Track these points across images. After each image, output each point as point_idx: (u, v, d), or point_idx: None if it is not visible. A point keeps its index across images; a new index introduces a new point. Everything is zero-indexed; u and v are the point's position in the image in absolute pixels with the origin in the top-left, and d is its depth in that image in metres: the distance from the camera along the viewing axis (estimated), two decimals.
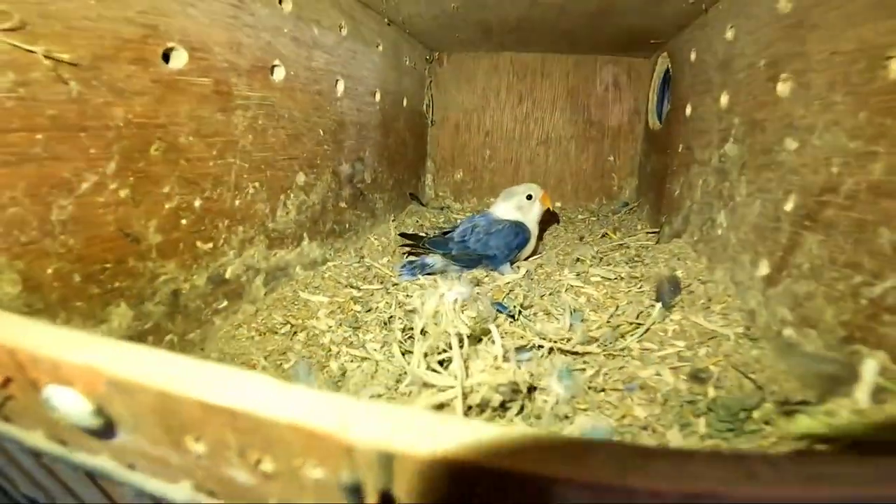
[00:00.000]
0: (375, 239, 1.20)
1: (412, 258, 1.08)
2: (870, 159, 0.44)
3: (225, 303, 0.72)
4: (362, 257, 1.08)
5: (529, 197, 1.10)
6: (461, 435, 0.21)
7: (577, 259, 1.03)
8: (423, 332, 0.59)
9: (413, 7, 1.11)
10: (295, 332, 0.74)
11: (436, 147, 1.66)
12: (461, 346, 0.54)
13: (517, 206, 1.10)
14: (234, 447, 0.25)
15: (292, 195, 0.86)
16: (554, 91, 1.57)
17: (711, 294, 0.73)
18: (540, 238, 1.18)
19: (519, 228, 1.07)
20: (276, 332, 0.74)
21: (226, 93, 0.68)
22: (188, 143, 0.63)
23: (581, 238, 1.27)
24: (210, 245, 0.68)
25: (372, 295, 0.91)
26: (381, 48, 1.17)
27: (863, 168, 0.45)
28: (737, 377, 0.56)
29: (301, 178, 0.88)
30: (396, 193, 1.39)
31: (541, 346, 0.67)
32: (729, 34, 0.82)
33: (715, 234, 0.79)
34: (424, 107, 1.59)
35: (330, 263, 1.00)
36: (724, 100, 0.83)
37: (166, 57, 0.59)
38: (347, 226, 1.09)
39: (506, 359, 0.53)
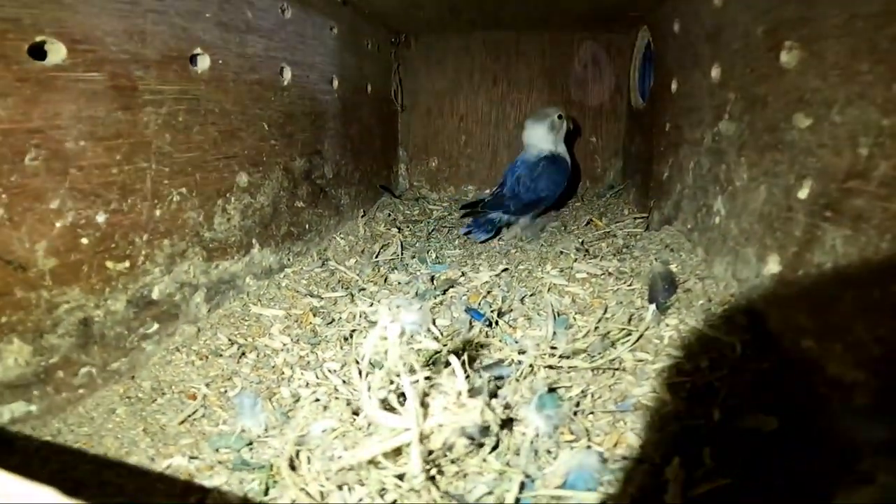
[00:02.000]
0: (342, 238, 1.09)
1: (477, 216, 1.13)
2: None
3: (155, 326, 0.62)
4: (326, 260, 0.97)
5: (560, 117, 1.17)
6: None
7: (561, 252, 0.92)
8: (370, 366, 0.49)
9: None
10: (243, 354, 0.64)
11: (408, 135, 1.54)
12: (415, 383, 0.44)
13: (550, 127, 1.16)
14: None
15: (233, 198, 0.75)
16: (530, 71, 1.45)
17: (711, 293, 0.63)
18: (571, 153, 1.24)
19: (557, 162, 1.15)
20: (221, 355, 0.64)
21: (127, 87, 0.56)
22: (79, 149, 0.51)
23: (564, 227, 1.17)
24: (126, 264, 0.57)
25: (335, 304, 0.81)
26: (335, 31, 1.05)
27: None
28: (745, 396, 0.46)
29: (243, 179, 0.77)
30: (365, 186, 1.28)
31: (520, 363, 0.57)
32: (717, 1, 0.71)
33: (712, 223, 0.69)
34: (392, 92, 1.46)
35: (288, 270, 0.90)
36: (715, 73, 0.72)
37: (39, 52, 0.48)
38: (307, 226, 0.98)
39: (472, 394, 0.43)
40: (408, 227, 1.25)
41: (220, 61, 0.70)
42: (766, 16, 0.58)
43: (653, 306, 0.63)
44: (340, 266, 0.95)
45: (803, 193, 0.47)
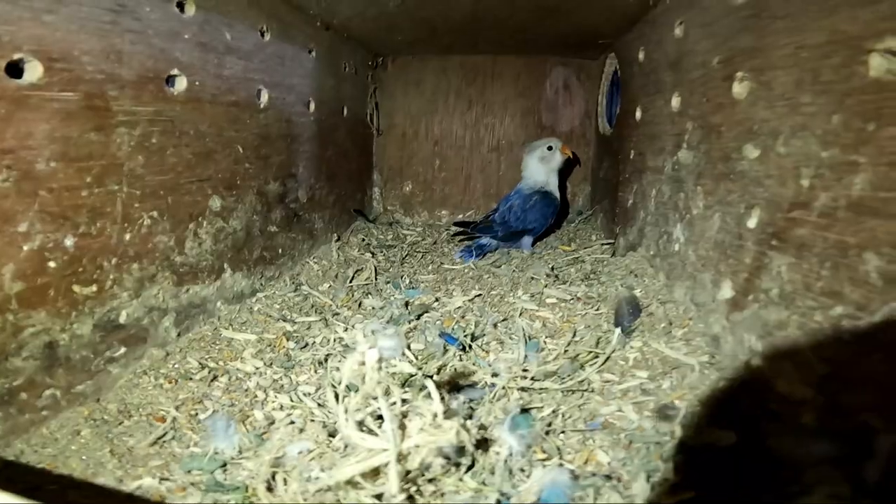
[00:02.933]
0: (315, 263, 1.09)
1: (468, 242, 1.23)
2: (849, 171, 0.38)
3: (122, 350, 0.61)
4: (299, 285, 0.98)
5: (550, 148, 1.24)
6: None
7: (532, 278, 0.95)
8: (347, 390, 0.50)
9: (350, 8, 1.01)
10: (214, 377, 0.64)
11: (382, 158, 1.56)
12: (393, 405, 0.45)
13: (540, 157, 1.23)
14: None
15: (205, 223, 0.75)
16: (504, 94, 1.50)
17: (672, 316, 0.66)
18: (563, 186, 1.35)
19: (548, 199, 1.21)
20: (191, 378, 0.63)
21: (101, 108, 0.56)
22: (50, 171, 0.51)
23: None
24: (93, 288, 0.57)
25: (308, 328, 0.81)
26: (314, 53, 1.07)
27: (840, 181, 0.39)
28: (705, 413, 0.49)
29: (216, 203, 0.77)
30: (339, 210, 1.29)
31: (493, 385, 0.59)
32: (678, 31, 0.76)
33: (672, 249, 0.72)
34: (368, 115, 1.49)
35: (260, 294, 0.89)
36: (675, 102, 0.77)
37: (15, 70, 0.48)
38: (280, 251, 0.98)
39: (448, 415, 0.44)
40: (382, 251, 1.26)
41: (198, 82, 0.71)
42: (721, 46, 0.62)
43: (618, 330, 0.66)
44: (314, 291, 0.96)
45: (752, 222, 0.51)
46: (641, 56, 0.95)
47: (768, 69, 0.51)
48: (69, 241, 0.53)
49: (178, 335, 0.69)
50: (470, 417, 0.53)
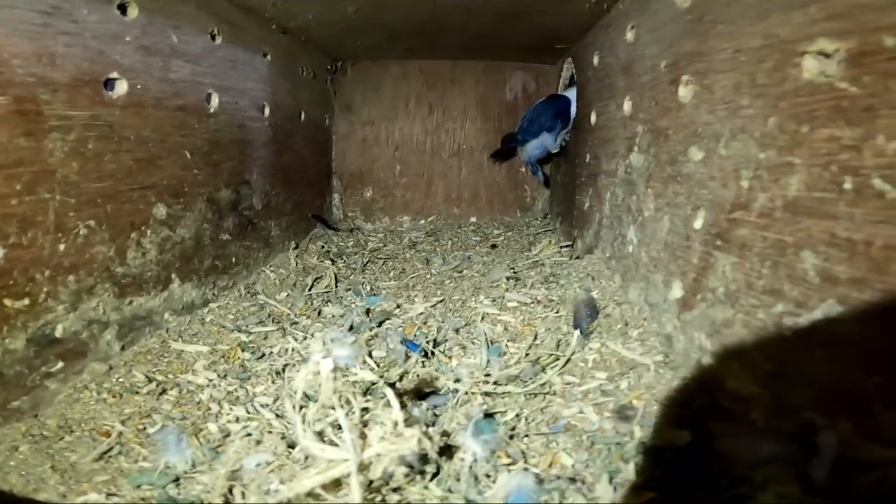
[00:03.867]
0: (272, 272, 1.06)
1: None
2: (785, 172, 0.39)
3: (60, 364, 0.58)
4: (255, 294, 0.95)
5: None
6: None
7: (493, 282, 0.95)
8: (305, 398, 0.49)
9: (306, 11, 0.99)
10: (163, 391, 0.61)
11: (342, 163, 1.54)
12: (351, 415, 0.44)
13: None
14: None
15: (150, 232, 0.71)
16: (465, 99, 1.51)
17: (627, 317, 0.67)
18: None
19: (563, 102, 1.25)
20: (138, 392, 0.61)
21: (32, 112, 0.53)
22: None
23: (493, 246, 1.22)
24: (26, 302, 0.54)
25: (265, 338, 0.78)
26: (269, 57, 1.05)
27: (777, 182, 0.40)
28: (662, 413, 0.50)
29: (161, 211, 0.74)
30: (297, 217, 1.26)
31: (456, 391, 0.58)
32: (630, 35, 0.77)
33: (626, 251, 0.74)
34: (327, 120, 1.47)
35: (213, 305, 0.86)
36: (627, 106, 0.78)
37: None
38: (234, 260, 0.95)
39: (409, 423, 0.44)
40: (342, 259, 1.24)
41: (139, 86, 0.68)
42: (668, 50, 0.64)
43: (577, 332, 0.66)
44: (271, 300, 0.93)
45: (698, 223, 0.52)
46: (596, 60, 0.97)
47: (710, 73, 0.53)
48: None
49: (122, 348, 0.66)
50: (433, 424, 0.52)
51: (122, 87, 0.66)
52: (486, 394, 0.58)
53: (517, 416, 0.54)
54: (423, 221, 1.55)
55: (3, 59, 0.50)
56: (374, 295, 1.00)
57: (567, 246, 1.09)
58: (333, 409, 0.44)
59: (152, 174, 0.71)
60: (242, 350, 0.73)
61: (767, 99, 0.43)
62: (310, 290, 1.01)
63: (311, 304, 0.94)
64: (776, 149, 0.41)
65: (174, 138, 0.75)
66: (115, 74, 0.64)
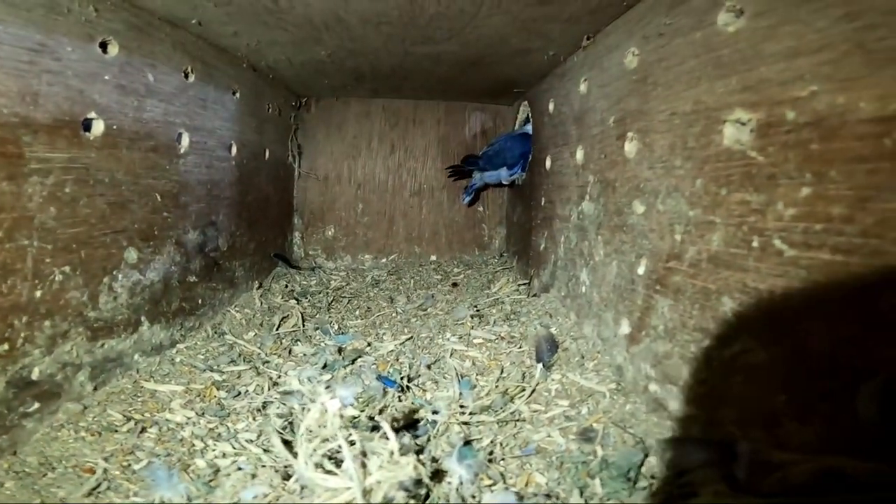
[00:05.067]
0: (237, 311, 1.08)
1: (466, 186, 1.51)
2: (708, 229, 0.48)
3: (36, 405, 0.59)
4: (222, 334, 0.96)
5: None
6: None
7: (458, 320, 1.02)
8: (310, 434, 0.52)
9: (280, 53, 1.04)
10: (143, 429, 0.63)
11: (303, 202, 1.58)
12: (353, 445, 0.49)
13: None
14: None
15: (121, 276, 0.73)
16: (426, 139, 1.59)
17: (583, 351, 0.75)
18: None
19: (526, 137, 1.31)
20: (117, 430, 0.62)
21: (14, 155, 0.56)
22: None
23: (455, 284, 1.29)
24: (5, 347, 0.55)
25: (239, 377, 0.81)
26: (238, 95, 1.08)
27: (702, 237, 0.49)
28: (619, 433, 0.57)
29: (132, 255, 0.76)
30: (260, 257, 1.28)
31: (435, 422, 0.63)
32: (583, 87, 0.85)
33: (580, 291, 0.82)
34: (290, 157, 1.51)
35: (180, 346, 0.88)
36: (579, 155, 0.86)
37: None
38: (200, 301, 0.97)
39: (403, 451, 0.48)
40: (306, 298, 1.27)
41: (115, 126, 0.71)
42: (616, 106, 0.71)
43: (540, 365, 0.73)
44: (239, 340, 0.95)
45: (641, 270, 0.61)
46: (551, 107, 1.05)
47: (651, 132, 0.62)
48: None
49: (95, 389, 0.67)
50: (421, 452, 0.57)
51: (98, 128, 0.68)
52: (463, 423, 0.63)
53: (492, 441, 0.60)
54: (384, 260, 1.60)
55: None
56: (343, 333, 1.03)
57: (524, 284, 1.17)
58: (330, 441, 0.48)
59: (124, 217, 0.74)
60: (217, 389, 0.74)
61: (695, 161, 0.52)
62: (277, 329, 1.03)
63: (281, 343, 0.96)
64: (701, 208, 0.50)
65: (146, 180, 0.78)
66: (93, 114, 0.67)
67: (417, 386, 0.76)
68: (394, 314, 1.17)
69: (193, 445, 0.60)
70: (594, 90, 0.82)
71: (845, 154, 0.34)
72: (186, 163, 0.90)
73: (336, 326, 1.08)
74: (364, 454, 0.47)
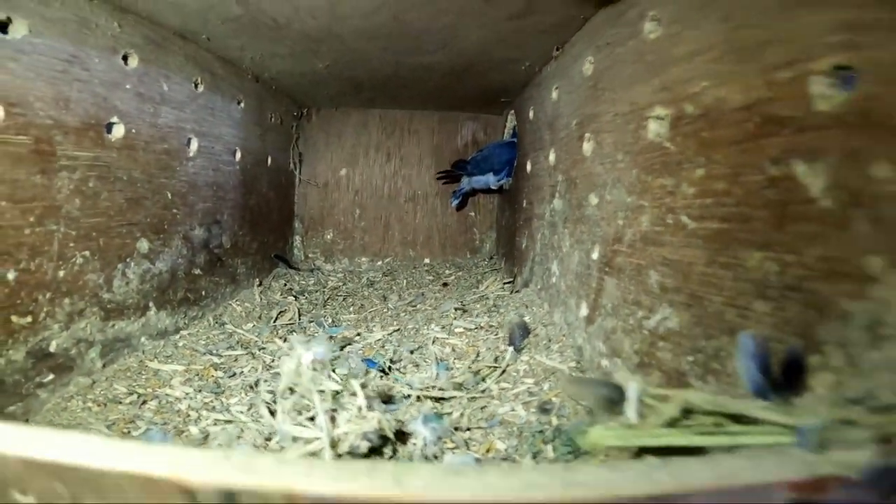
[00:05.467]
0: (238, 305, 1.17)
1: (455, 191, 1.59)
2: (640, 212, 0.57)
3: (51, 376, 0.67)
4: (223, 324, 1.05)
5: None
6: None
7: (443, 314, 1.10)
8: (286, 392, 0.60)
9: (281, 65, 1.14)
10: (144, 401, 0.71)
11: (304, 207, 1.67)
12: (324, 401, 0.57)
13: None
14: (67, 496, 0.27)
15: (133, 264, 0.83)
16: (420, 148, 1.69)
17: (551, 335, 0.83)
18: None
19: (512, 145, 1.39)
20: (121, 402, 0.70)
21: (48, 152, 0.65)
22: None
23: (445, 284, 1.37)
24: (29, 319, 0.64)
25: (236, 360, 0.89)
26: (242, 104, 1.19)
27: (636, 220, 0.57)
28: (573, 405, 0.64)
29: (144, 246, 0.85)
30: (261, 257, 1.38)
31: (409, 396, 0.71)
32: (554, 94, 0.95)
33: (551, 282, 0.90)
34: (292, 164, 1.61)
35: (184, 332, 0.96)
36: (552, 157, 0.95)
37: None
38: (204, 293, 1.06)
39: (370, 408, 0.56)
40: (304, 295, 1.35)
41: (134, 130, 0.80)
42: (577, 110, 0.80)
43: (511, 348, 0.81)
44: (238, 329, 1.04)
45: (595, 255, 0.69)
46: (531, 114, 1.14)
47: (601, 132, 0.71)
48: (11, 276, 0.61)
49: (104, 366, 0.76)
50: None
51: (119, 131, 0.78)
52: (435, 399, 0.71)
53: (461, 414, 0.67)
54: (380, 262, 1.69)
55: (28, 101, 0.62)
56: (336, 326, 1.12)
57: (509, 282, 1.25)
58: (304, 396, 0.56)
59: (138, 212, 0.83)
60: (215, 369, 0.83)
61: (632, 155, 0.60)
62: (275, 321, 1.12)
63: (277, 333, 1.05)
64: (636, 194, 0.58)
65: (159, 179, 0.88)
66: (115, 119, 0.77)
67: (399, 369, 0.84)
68: (385, 310, 1.25)
69: (188, 416, 0.68)
70: (563, 97, 0.91)
71: (724, 139, 0.43)
72: (195, 165, 1.00)
73: (330, 320, 1.16)
74: (335, 410, 0.55)
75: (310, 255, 1.69)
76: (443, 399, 0.70)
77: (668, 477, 0.24)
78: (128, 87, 0.78)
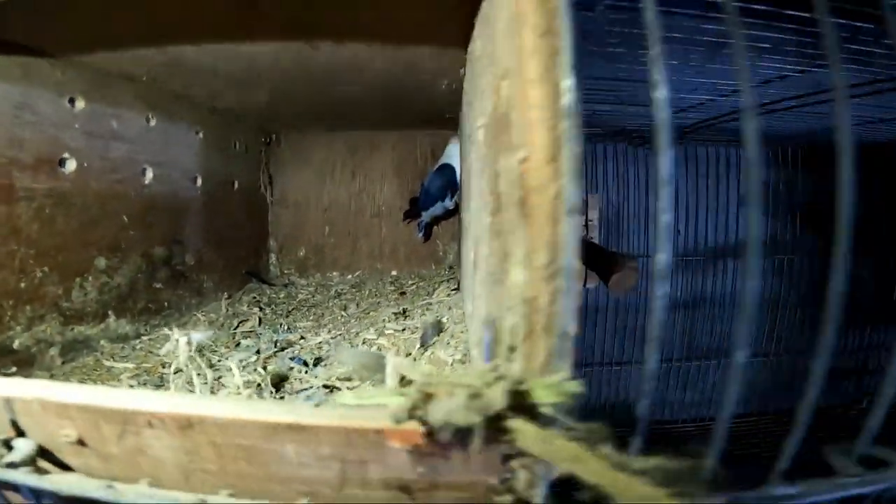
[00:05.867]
0: (203, 315, 1.30)
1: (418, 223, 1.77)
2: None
3: (14, 369, 0.80)
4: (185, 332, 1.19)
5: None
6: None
7: (383, 318, 1.22)
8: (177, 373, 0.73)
9: (230, 99, 1.27)
10: None
11: (278, 226, 1.82)
12: (204, 383, 0.69)
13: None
14: None
15: (91, 277, 0.97)
16: (383, 165, 1.83)
17: (455, 332, 0.94)
18: None
19: (449, 170, 1.57)
20: None
21: (7, 186, 0.80)
22: None
23: (402, 293, 1.49)
24: None
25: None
26: (201, 134, 1.33)
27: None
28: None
29: (101, 262, 0.99)
30: (230, 273, 1.52)
31: (311, 386, 0.83)
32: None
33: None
34: (262, 187, 1.76)
35: (144, 338, 1.09)
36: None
37: None
38: (167, 304, 1.20)
39: (247, 386, 0.69)
40: (270, 307, 1.49)
41: (86, 164, 0.94)
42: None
43: (419, 345, 0.93)
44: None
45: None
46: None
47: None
48: None
49: (63, 363, 0.89)
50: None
51: (71, 165, 0.92)
52: (333, 388, 0.83)
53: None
54: (349, 276, 1.82)
55: None
56: (290, 331, 1.25)
57: (455, 289, 1.36)
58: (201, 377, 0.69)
59: (94, 233, 0.98)
60: (163, 367, 0.96)
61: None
62: (235, 329, 1.25)
63: (233, 338, 1.18)
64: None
65: (113, 205, 1.02)
66: (66, 155, 0.91)
67: (323, 366, 0.96)
68: (340, 318, 1.38)
69: None
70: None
71: None
72: (151, 192, 1.14)
73: (286, 327, 1.29)
74: (215, 386, 0.68)
75: (285, 271, 1.83)
76: (334, 388, 0.82)
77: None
78: (76, 126, 0.92)
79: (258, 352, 1.06)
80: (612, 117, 1.66)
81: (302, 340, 1.14)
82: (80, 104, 0.94)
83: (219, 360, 0.99)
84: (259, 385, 0.77)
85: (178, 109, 1.23)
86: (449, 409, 0.30)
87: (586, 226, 2.01)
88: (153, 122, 1.14)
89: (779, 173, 2.11)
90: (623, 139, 2.05)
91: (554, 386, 0.30)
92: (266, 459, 0.36)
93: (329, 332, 1.22)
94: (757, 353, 2.11)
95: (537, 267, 0.31)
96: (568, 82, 0.30)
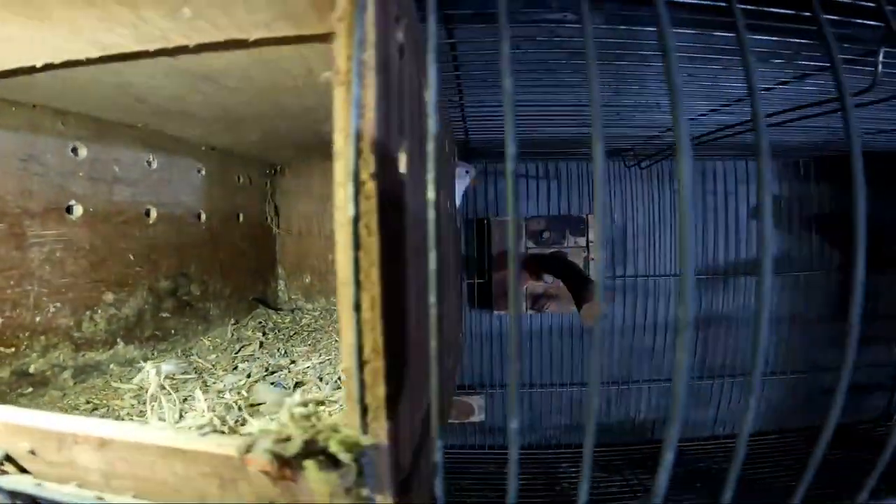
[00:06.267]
0: (209, 340, 1.44)
1: None
2: None
3: (30, 389, 0.94)
4: (190, 355, 1.31)
5: (467, 171, 1.79)
6: None
7: None
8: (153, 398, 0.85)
9: (225, 139, 1.40)
10: (95, 408, 0.96)
11: (284, 254, 1.96)
12: (173, 406, 0.80)
13: (460, 175, 1.75)
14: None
15: (100, 310, 1.11)
16: None
17: None
18: None
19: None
20: (78, 409, 0.95)
21: (20, 233, 0.94)
22: None
23: None
24: (13, 349, 0.91)
25: (185, 382, 1.13)
26: (203, 172, 1.47)
27: None
28: None
29: (109, 297, 1.13)
30: (236, 300, 1.65)
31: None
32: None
33: None
34: (268, 218, 1.91)
35: (151, 362, 1.23)
36: None
37: None
38: (173, 331, 1.33)
39: (213, 410, 0.79)
40: (274, 332, 1.61)
41: (91, 209, 1.09)
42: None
43: None
44: (200, 359, 1.30)
45: None
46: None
47: None
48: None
49: (74, 384, 1.02)
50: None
51: (78, 211, 1.06)
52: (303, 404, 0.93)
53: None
54: None
55: (1, 195, 0.92)
56: (285, 355, 1.36)
57: None
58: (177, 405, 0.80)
59: (102, 271, 1.12)
60: (163, 388, 1.09)
61: None
62: (236, 353, 1.38)
63: (232, 362, 1.30)
64: None
65: (118, 245, 1.17)
66: (73, 202, 1.05)
67: (303, 390, 1.06)
68: (334, 342, 1.48)
69: (123, 419, 0.93)
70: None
71: None
72: (156, 230, 1.28)
73: (283, 351, 1.41)
74: (182, 412, 0.78)
75: (292, 297, 1.96)
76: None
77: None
78: (81, 174, 1.07)
79: (248, 375, 1.18)
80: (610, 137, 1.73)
81: (292, 365, 1.25)
82: (83, 152, 1.08)
83: (188, 388, 1.11)
84: (232, 407, 0.88)
85: (178, 150, 1.37)
86: (265, 446, 0.40)
87: (587, 247, 2.08)
88: (154, 164, 1.28)
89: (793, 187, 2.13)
90: (618, 156, 2.11)
91: (344, 439, 0.40)
92: (164, 473, 0.47)
93: (320, 356, 1.33)
94: (774, 371, 2.10)
95: (346, 344, 0.40)
96: None
